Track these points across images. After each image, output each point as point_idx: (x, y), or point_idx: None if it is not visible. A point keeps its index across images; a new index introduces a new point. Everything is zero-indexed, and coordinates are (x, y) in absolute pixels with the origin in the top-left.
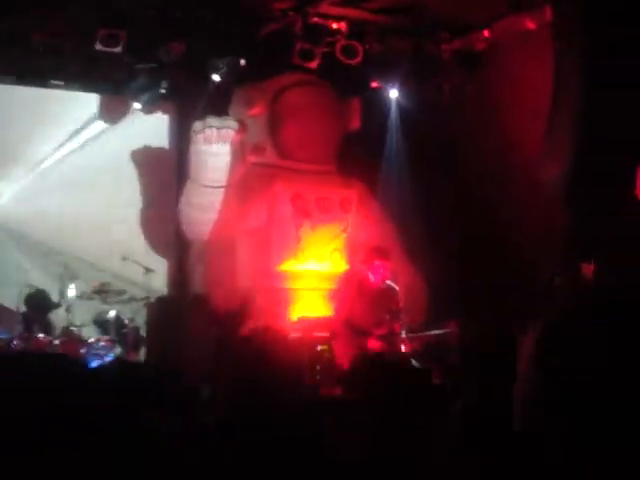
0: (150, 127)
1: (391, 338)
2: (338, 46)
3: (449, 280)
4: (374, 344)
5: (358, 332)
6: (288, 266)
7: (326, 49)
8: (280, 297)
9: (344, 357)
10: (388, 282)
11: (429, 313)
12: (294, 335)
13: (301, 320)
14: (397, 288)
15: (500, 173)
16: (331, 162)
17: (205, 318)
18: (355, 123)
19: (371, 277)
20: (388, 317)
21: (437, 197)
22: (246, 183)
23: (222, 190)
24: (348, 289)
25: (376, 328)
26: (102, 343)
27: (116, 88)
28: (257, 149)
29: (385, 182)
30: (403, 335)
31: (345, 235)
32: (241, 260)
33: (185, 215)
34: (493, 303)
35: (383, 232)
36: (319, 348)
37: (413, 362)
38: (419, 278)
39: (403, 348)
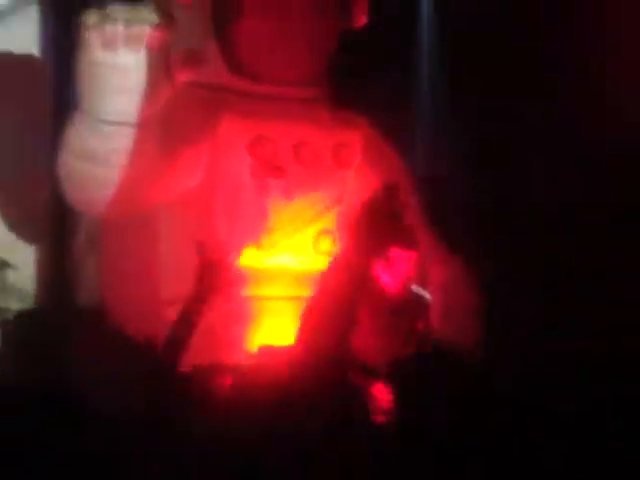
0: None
1: None
2: None
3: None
4: (385, 393)
5: (359, 372)
6: (245, 260)
7: None
8: (230, 312)
9: None
10: (413, 288)
11: (488, 343)
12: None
13: (264, 351)
14: (429, 297)
15: None
16: (319, 83)
17: (103, 345)
18: (359, 17)
19: (384, 278)
20: (412, 347)
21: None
22: (173, 117)
23: (132, 129)
24: (343, 299)
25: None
26: None
27: None
28: (192, 59)
29: (410, 123)
30: None
31: (341, 208)
32: (164, 249)
33: (68, 172)
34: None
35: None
36: None
37: None
38: (469, 282)
39: None
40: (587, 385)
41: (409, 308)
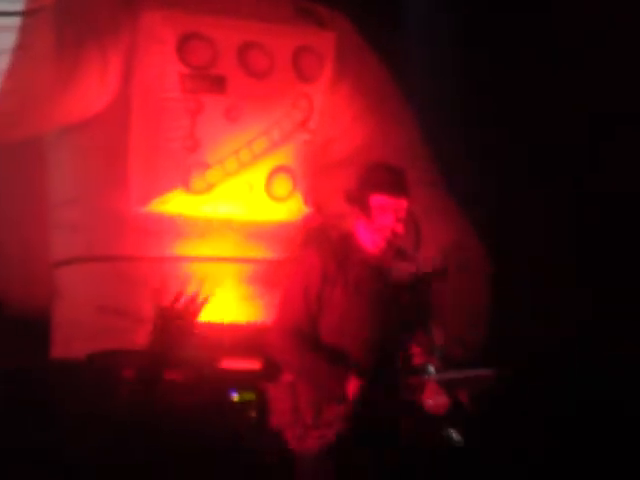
0: None
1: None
2: None
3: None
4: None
5: (329, 360)
6: (170, 205)
7: None
8: (148, 277)
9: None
10: (403, 251)
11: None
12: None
13: (202, 329)
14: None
15: None
16: None
17: None
18: None
19: (366, 237)
20: (400, 330)
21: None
22: (72, 3)
23: (16, 19)
24: (310, 266)
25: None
26: None
27: None
28: None
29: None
30: (431, 371)
31: (305, 137)
32: (59, 192)
33: None
34: None
35: (396, 136)
36: (236, 398)
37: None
38: (475, 244)
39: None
40: None
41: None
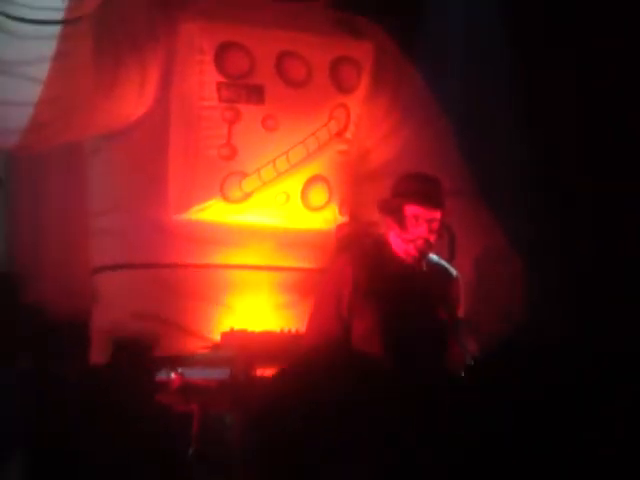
0: None
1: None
2: None
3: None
4: None
5: (362, 365)
6: (208, 214)
7: None
8: (187, 283)
9: None
10: (436, 259)
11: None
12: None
13: (232, 336)
14: (456, 274)
15: None
16: None
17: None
18: None
19: (398, 246)
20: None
21: None
22: (112, 14)
23: (56, 29)
24: (342, 274)
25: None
26: None
27: None
28: None
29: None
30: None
31: (342, 147)
32: (97, 199)
33: None
34: None
35: (432, 147)
36: None
37: None
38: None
39: None
40: None
41: (432, 287)
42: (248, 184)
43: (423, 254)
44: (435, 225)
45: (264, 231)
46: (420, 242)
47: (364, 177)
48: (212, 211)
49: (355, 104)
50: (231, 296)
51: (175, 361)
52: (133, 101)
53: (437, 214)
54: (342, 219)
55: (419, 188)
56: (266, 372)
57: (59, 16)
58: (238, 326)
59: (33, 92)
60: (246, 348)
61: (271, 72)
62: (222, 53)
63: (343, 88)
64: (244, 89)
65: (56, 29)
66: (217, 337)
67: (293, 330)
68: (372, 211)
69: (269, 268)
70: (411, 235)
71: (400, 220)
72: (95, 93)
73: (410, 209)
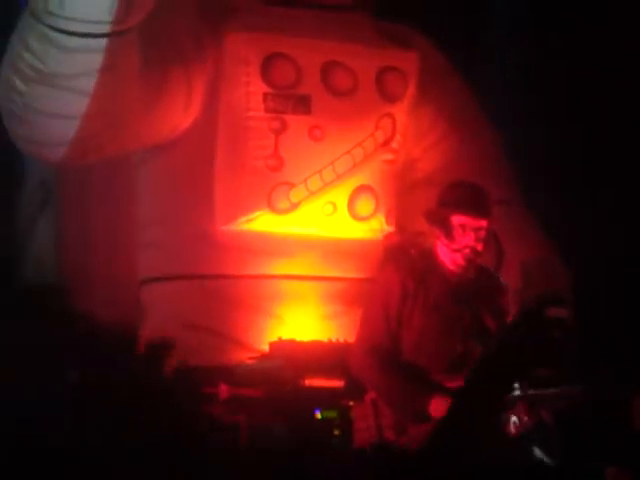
0: None
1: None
2: None
3: None
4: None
5: (410, 379)
6: (255, 224)
7: None
8: (233, 294)
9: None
10: (485, 268)
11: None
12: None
13: (280, 346)
14: (505, 284)
15: None
16: None
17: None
18: None
19: (446, 256)
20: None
21: None
22: (160, 26)
23: (104, 44)
24: (389, 284)
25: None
26: None
27: None
28: None
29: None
30: (517, 391)
31: (388, 157)
32: (145, 211)
33: (11, 98)
34: None
35: (478, 156)
36: (319, 416)
37: None
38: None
39: (514, 423)
40: None
41: (480, 298)
42: (295, 195)
43: (470, 263)
44: (482, 234)
45: (311, 241)
46: (467, 251)
47: (410, 186)
48: (260, 222)
49: (401, 113)
50: (278, 306)
51: (223, 372)
52: (180, 113)
53: (484, 223)
54: (389, 229)
55: (465, 197)
56: (314, 382)
57: (106, 29)
58: (286, 336)
59: (81, 105)
60: (294, 358)
61: (317, 82)
62: (268, 64)
63: (389, 97)
64: (290, 100)
65: (103, 42)
66: (265, 347)
67: (341, 340)
68: (419, 221)
69: (316, 278)
70: (458, 244)
71: (447, 230)
72: (142, 105)
73: (457, 218)
